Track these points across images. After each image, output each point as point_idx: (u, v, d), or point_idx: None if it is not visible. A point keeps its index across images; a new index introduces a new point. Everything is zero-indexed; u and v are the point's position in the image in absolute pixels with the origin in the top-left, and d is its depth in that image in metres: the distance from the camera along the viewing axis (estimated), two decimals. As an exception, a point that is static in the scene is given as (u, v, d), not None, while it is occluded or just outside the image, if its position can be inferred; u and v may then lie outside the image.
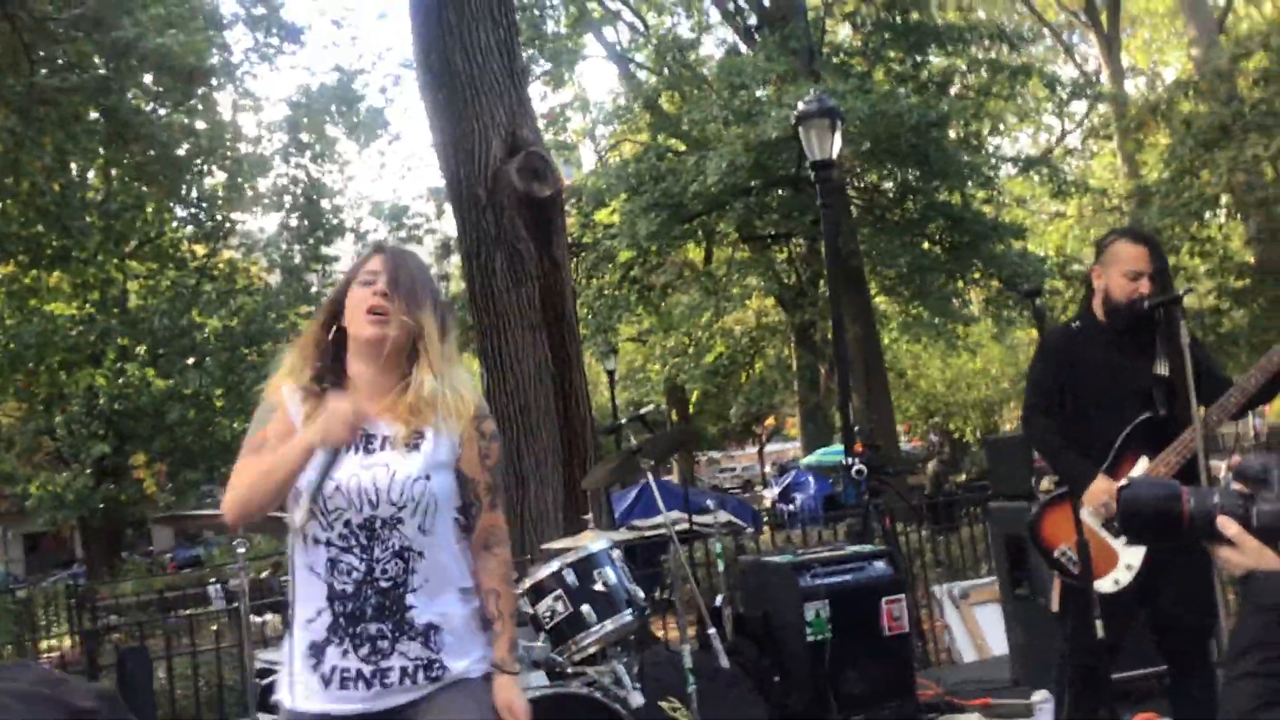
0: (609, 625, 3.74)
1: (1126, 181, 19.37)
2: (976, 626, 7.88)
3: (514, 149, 8.71)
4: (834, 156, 9.84)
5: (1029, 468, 5.79)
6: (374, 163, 60.40)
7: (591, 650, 3.80)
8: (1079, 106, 24.16)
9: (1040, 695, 5.12)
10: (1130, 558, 3.68)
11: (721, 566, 5.37)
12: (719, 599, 5.09)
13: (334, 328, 2.37)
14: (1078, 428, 3.83)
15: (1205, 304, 16.24)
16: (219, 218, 20.05)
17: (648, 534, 5.76)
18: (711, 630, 4.70)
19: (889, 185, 18.77)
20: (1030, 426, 4.02)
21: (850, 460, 8.26)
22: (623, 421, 4.80)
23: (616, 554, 3.93)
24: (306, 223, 20.35)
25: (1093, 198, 20.03)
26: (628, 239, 15.92)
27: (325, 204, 20.56)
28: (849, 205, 16.62)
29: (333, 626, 2.28)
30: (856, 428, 9.13)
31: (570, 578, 3.74)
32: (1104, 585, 3.67)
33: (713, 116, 15.17)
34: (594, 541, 3.94)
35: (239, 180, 19.42)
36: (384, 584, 2.29)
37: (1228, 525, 2.00)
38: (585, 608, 3.70)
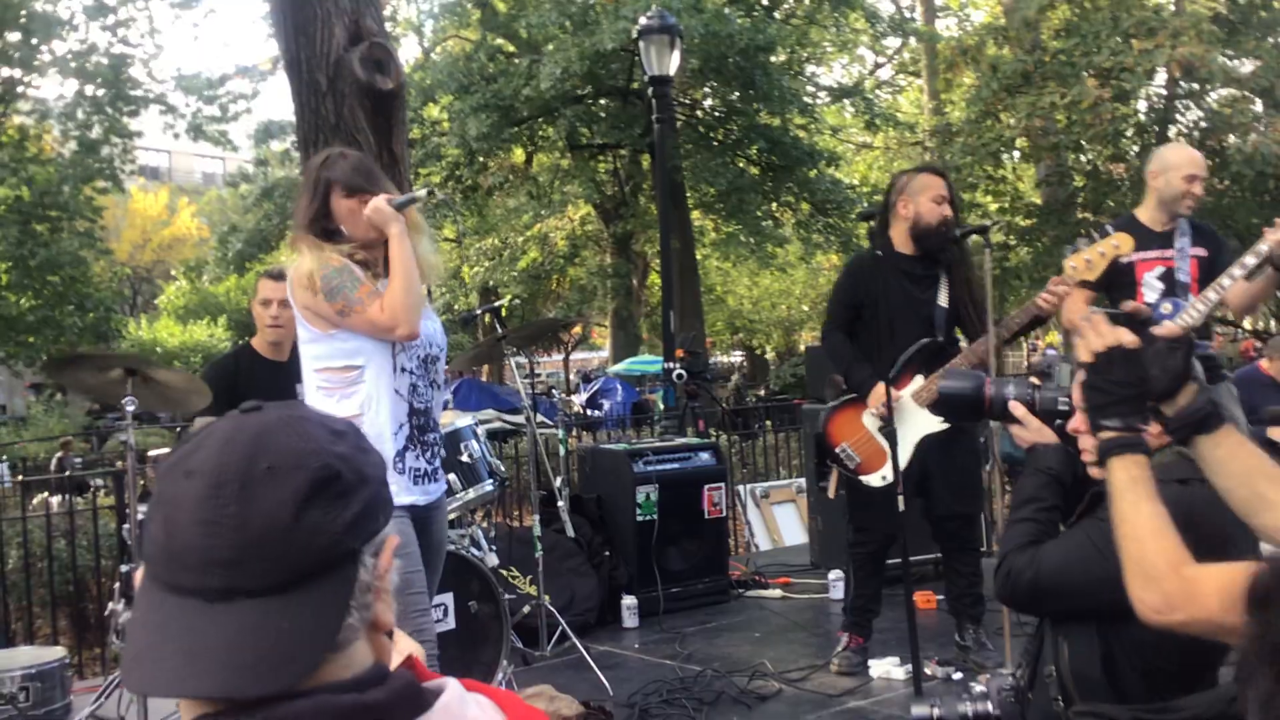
0: (472, 493, 4.10)
1: (931, 118, 20.34)
2: (774, 522, 8.60)
3: (357, 37, 8.62)
4: (671, 73, 10.17)
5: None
6: (185, 34, 56.93)
7: (453, 515, 4.15)
8: (892, 42, 25.11)
9: (835, 574, 5.77)
10: (898, 456, 4.28)
11: (563, 452, 5.77)
12: (558, 481, 5.49)
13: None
14: (868, 343, 4.40)
15: (995, 240, 17.41)
16: (12, 79, 18.68)
17: (508, 421, 6.11)
18: (561, 503, 5.12)
19: (713, 104, 19.19)
20: (828, 338, 4.58)
21: (672, 365, 8.77)
22: (477, 312, 5.11)
23: (480, 430, 4.28)
24: (107, 93, 19.17)
25: (899, 132, 20.96)
26: (457, 138, 15.87)
27: (132, 73, 19.37)
28: (675, 121, 16.99)
29: (411, 436, 2.95)
30: (679, 335, 9.61)
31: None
32: (874, 480, 4.31)
33: (550, 20, 15.19)
34: (459, 419, 4.27)
35: (33, 41, 18.11)
36: (431, 405, 3.05)
37: (1017, 407, 2.53)
38: (452, 476, 4.03)
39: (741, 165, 18.34)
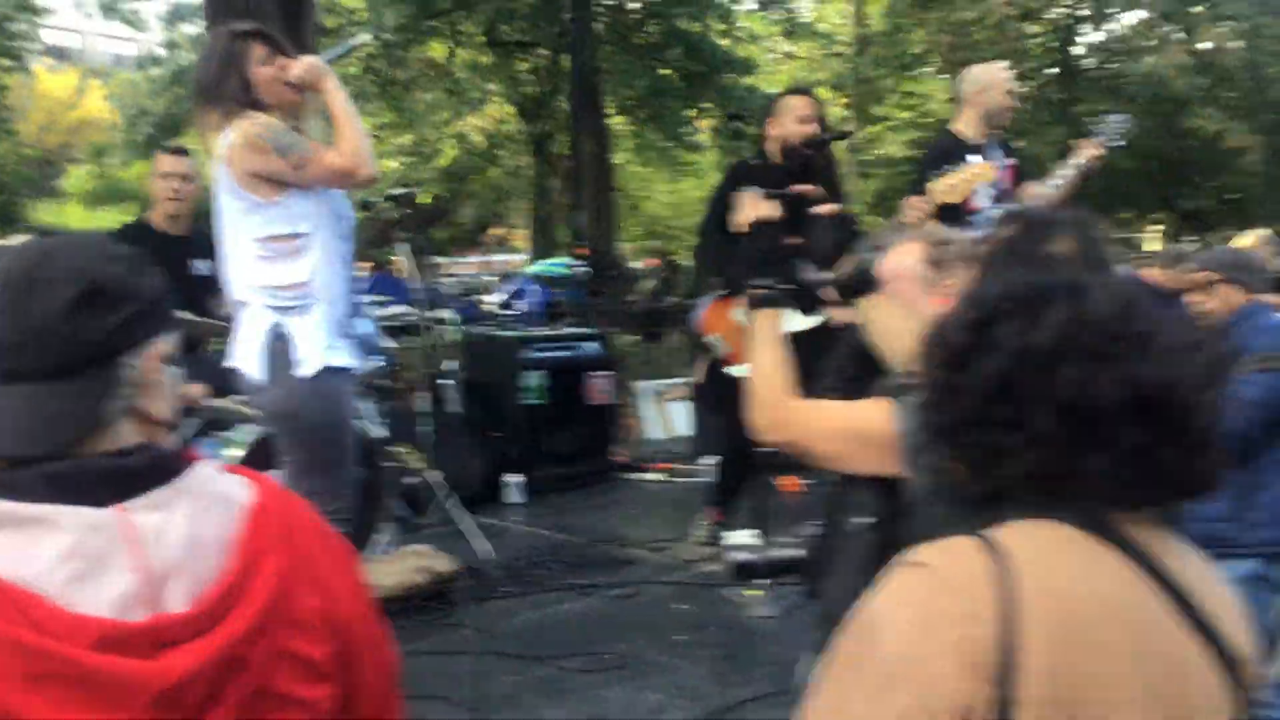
0: (359, 367, 4.34)
1: (853, 28, 20.51)
2: (669, 418, 8.97)
3: (266, -79, 8.60)
4: (586, -29, 10.27)
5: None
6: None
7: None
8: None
9: (709, 460, 6.15)
10: None
11: (458, 337, 6.03)
12: (453, 365, 5.74)
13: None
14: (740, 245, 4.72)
15: (902, 155, 17.77)
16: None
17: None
18: (442, 381, 5.38)
19: (634, 6, 19.13)
20: (704, 238, 4.90)
21: (575, 262, 9.03)
22: (378, 200, 5.29)
23: (373, 310, 4.52)
24: None
25: (820, 42, 21.11)
26: (374, 29, 15.69)
27: None
28: (593, 21, 16.93)
29: (348, 304, 3.12)
30: (583, 232, 9.86)
31: (327, 326, 4.30)
32: (739, 371, 4.67)
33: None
34: (349, 298, 4.50)
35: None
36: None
37: (829, 291, 2.88)
38: (339, 352, 4.28)
39: (662, 71, 18.38)
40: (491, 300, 24.82)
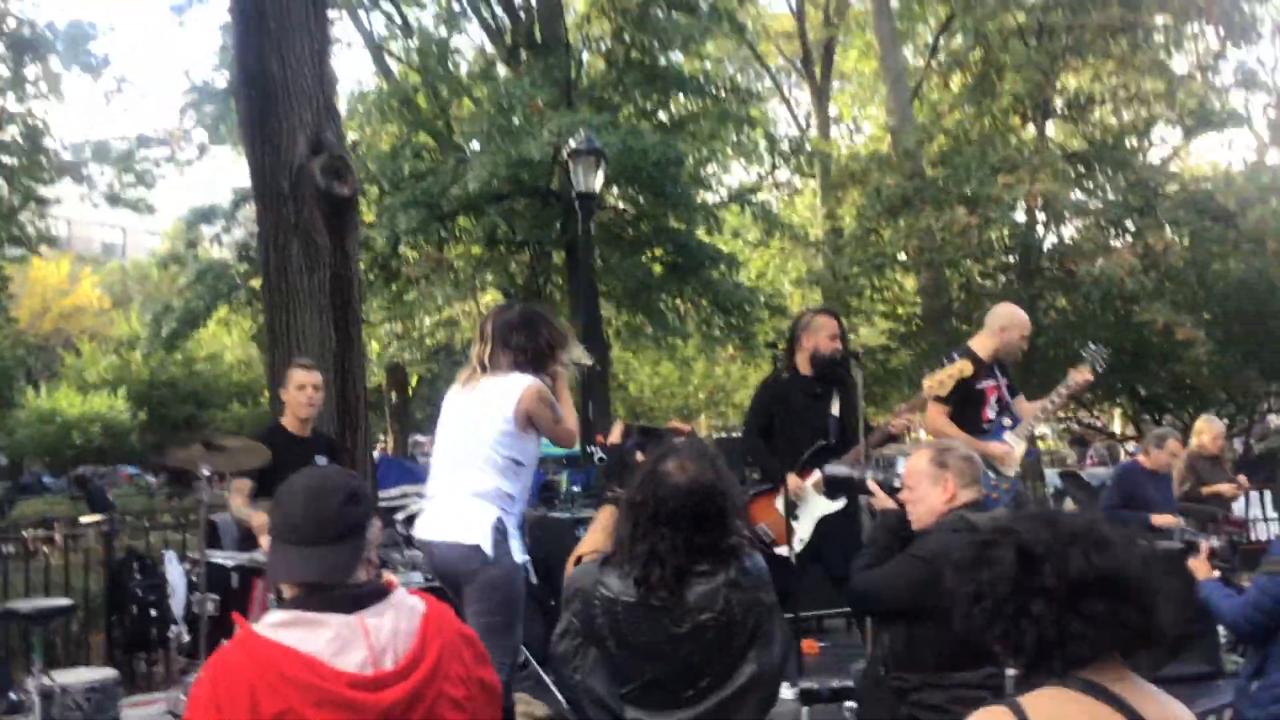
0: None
1: (824, 222, 22.03)
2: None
3: (317, 149, 9.66)
4: (597, 189, 11.55)
5: (743, 464, 7.65)
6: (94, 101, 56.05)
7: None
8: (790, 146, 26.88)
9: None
10: (802, 533, 5.53)
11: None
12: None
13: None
14: (778, 444, 5.65)
15: (878, 342, 19.00)
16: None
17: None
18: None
19: (623, 207, 20.55)
20: (747, 438, 5.87)
21: (592, 448, 9.91)
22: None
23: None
24: (21, 161, 18.99)
25: (790, 234, 22.63)
26: (386, 231, 16.93)
27: (49, 143, 19.22)
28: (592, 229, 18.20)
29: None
30: (597, 421, 10.80)
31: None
32: (783, 551, 5.52)
33: (482, 131, 16.47)
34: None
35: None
36: None
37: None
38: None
39: (647, 263, 19.64)
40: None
